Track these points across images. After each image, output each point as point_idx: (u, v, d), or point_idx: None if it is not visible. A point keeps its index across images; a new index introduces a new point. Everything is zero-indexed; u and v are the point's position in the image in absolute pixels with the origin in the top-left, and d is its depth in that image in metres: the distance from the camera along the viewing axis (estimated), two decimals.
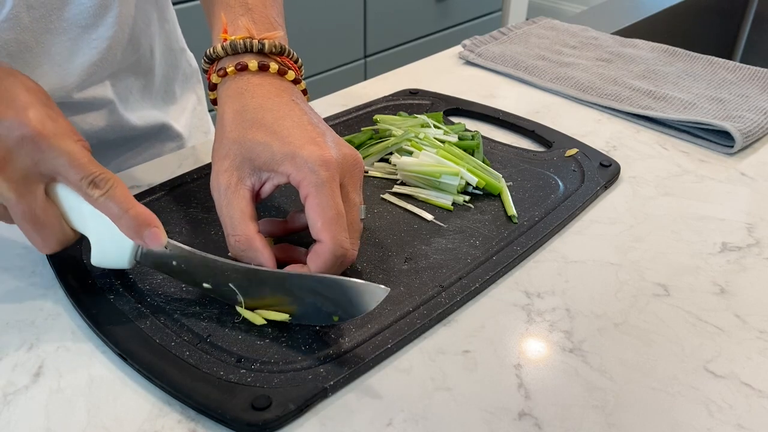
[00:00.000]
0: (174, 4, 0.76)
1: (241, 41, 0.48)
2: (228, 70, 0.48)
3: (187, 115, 0.76)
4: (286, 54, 0.49)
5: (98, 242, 0.44)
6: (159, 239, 0.43)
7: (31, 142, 0.41)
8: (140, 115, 0.69)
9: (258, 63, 0.48)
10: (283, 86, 0.48)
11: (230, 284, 0.43)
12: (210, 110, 0.85)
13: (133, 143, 0.70)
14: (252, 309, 0.43)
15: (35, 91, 0.44)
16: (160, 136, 0.72)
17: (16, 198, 0.42)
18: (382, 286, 0.39)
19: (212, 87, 0.51)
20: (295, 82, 0.50)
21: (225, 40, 0.49)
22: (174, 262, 0.44)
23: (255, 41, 0.48)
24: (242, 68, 0.48)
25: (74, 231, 0.45)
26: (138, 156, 0.70)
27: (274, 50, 0.49)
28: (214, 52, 0.49)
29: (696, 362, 0.42)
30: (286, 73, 0.49)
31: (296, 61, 0.50)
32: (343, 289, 0.40)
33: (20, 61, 0.55)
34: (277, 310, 0.43)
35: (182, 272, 0.44)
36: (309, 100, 0.52)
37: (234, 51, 0.48)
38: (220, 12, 0.51)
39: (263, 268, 0.43)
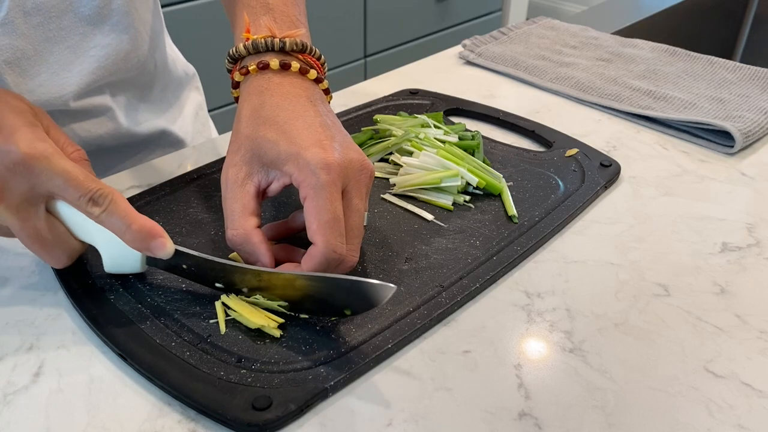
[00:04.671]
0: (163, 6, 0.76)
1: (263, 40, 0.48)
2: (250, 69, 0.48)
3: (188, 120, 0.76)
4: (308, 51, 0.50)
5: (107, 251, 0.44)
6: (165, 249, 0.43)
7: (23, 167, 0.40)
8: (140, 122, 0.69)
9: (279, 62, 0.48)
10: (304, 86, 0.48)
11: (242, 287, 0.43)
12: (210, 110, 0.85)
13: (133, 150, 0.70)
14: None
15: (21, 110, 0.43)
16: (161, 142, 0.72)
17: (20, 223, 0.42)
18: (389, 285, 0.39)
19: (235, 85, 0.51)
20: (317, 81, 0.50)
21: (247, 39, 0.49)
22: (184, 266, 0.44)
23: (276, 40, 0.48)
24: (264, 67, 0.48)
25: (81, 242, 0.45)
26: (138, 163, 0.70)
27: (295, 48, 0.49)
28: (236, 51, 0.50)
29: (696, 362, 0.42)
30: (307, 71, 0.49)
31: (319, 58, 0.51)
32: (350, 288, 0.40)
33: (17, 69, 0.55)
34: (289, 306, 0.43)
35: (193, 274, 0.45)
36: (330, 99, 0.52)
37: (256, 50, 0.49)
38: (241, 12, 0.51)
39: (270, 270, 0.43)
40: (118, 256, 0.44)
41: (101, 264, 0.47)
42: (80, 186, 0.41)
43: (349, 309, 0.41)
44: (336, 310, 0.42)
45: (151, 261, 0.45)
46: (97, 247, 0.45)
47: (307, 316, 0.43)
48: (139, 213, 0.43)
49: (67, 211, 0.43)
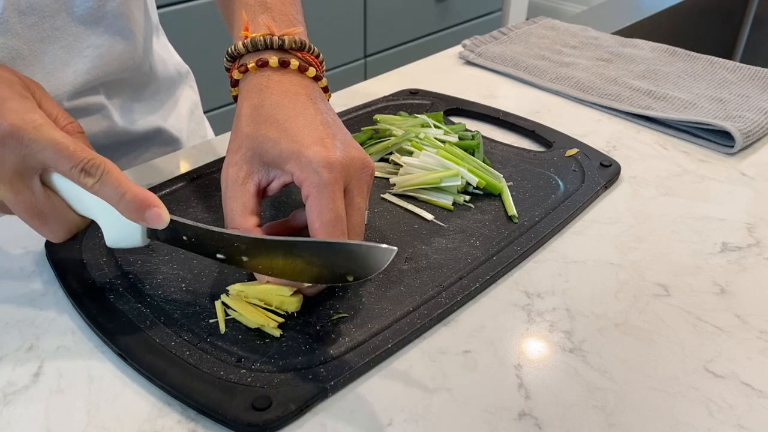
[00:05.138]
0: (160, 7, 0.76)
1: (262, 38, 0.48)
2: (249, 67, 0.48)
3: (183, 119, 0.76)
4: (306, 49, 0.50)
5: (107, 225, 0.43)
6: (161, 218, 0.42)
7: (12, 139, 0.40)
8: (135, 120, 0.69)
9: (279, 59, 0.48)
10: (303, 83, 0.48)
11: (242, 256, 0.42)
12: (206, 111, 0.85)
13: (127, 148, 0.70)
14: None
15: (10, 82, 0.43)
16: (156, 140, 0.72)
17: (14, 196, 0.41)
18: (389, 246, 0.38)
19: (234, 84, 0.51)
20: (316, 78, 0.50)
21: (246, 37, 0.49)
22: (184, 237, 0.43)
23: (275, 38, 0.48)
24: (263, 64, 0.48)
25: (81, 217, 0.44)
26: (134, 161, 0.70)
27: (294, 46, 0.49)
28: (235, 49, 0.49)
29: (696, 362, 0.42)
30: (306, 69, 0.49)
31: (317, 56, 0.51)
32: (351, 252, 0.39)
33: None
34: (291, 275, 0.42)
35: (194, 246, 0.44)
36: (329, 97, 0.52)
37: (255, 48, 0.49)
38: (239, 11, 0.51)
39: (270, 237, 0.42)
40: (118, 229, 0.43)
41: (102, 264, 0.47)
42: (71, 156, 0.41)
43: (351, 275, 0.40)
44: (338, 276, 0.41)
45: (151, 234, 0.44)
46: (97, 220, 0.44)
47: (304, 317, 0.43)
48: (133, 183, 0.42)
49: (64, 184, 0.42)
